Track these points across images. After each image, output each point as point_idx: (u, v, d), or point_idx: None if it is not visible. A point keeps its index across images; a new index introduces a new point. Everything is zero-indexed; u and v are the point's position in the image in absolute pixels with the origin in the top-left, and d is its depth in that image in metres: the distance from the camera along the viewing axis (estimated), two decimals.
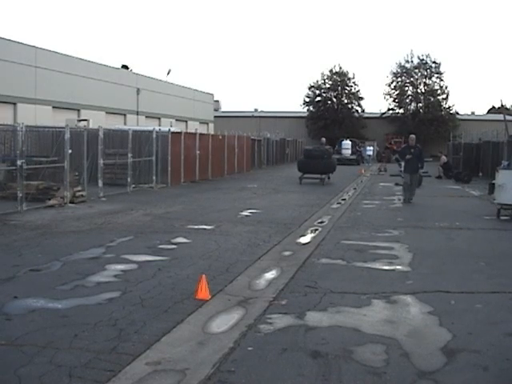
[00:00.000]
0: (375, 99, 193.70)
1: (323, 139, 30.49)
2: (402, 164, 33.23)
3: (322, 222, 12.94)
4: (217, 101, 65.41)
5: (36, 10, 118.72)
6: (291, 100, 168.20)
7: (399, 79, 65.54)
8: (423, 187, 23.59)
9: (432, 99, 63.70)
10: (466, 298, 6.77)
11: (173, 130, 24.13)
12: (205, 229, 11.59)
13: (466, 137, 38.51)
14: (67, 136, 15.22)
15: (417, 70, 65.01)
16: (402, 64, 65.46)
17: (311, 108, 66.05)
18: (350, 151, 49.30)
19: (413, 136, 17.84)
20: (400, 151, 18.63)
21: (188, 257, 8.72)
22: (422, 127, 60.82)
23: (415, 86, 65.02)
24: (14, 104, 27.86)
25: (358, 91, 66.60)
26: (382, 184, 25.98)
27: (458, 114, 64.57)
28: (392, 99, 65.33)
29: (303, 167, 24.89)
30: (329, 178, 25.68)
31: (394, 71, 65.64)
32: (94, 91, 33.93)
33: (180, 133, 24.33)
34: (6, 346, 4.87)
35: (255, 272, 7.87)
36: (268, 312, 5.99)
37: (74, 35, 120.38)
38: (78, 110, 32.45)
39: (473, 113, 70.31)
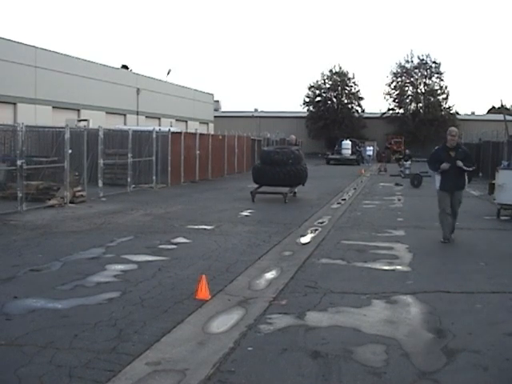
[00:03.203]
0: (375, 99, 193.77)
1: (292, 136, 22.22)
2: (406, 163, 33.55)
3: (322, 222, 12.93)
4: (217, 101, 65.45)
5: (36, 10, 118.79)
6: (291, 100, 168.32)
7: (399, 79, 65.53)
8: (423, 187, 23.61)
9: (432, 99, 63.69)
10: (466, 298, 6.77)
11: (173, 129, 24.12)
12: (205, 229, 11.59)
13: (466, 137, 38.52)
14: (67, 136, 15.22)
15: (417, 70, 65.01)
16: (402, 64, 65.53)
17: (311, 108, 66.01)
18: (350, 151, 49.29)
19: (454, 129, 10.76)
20: (431, 157, 10.98)
21: (188, 257, 8.72)
22: (422, 127, 60.89)
23: (415, 86, 65.01)
24: (14, 104, 27.88)
25: (358, 91, 66.62)
26: (382, 184, 25.98)
27: (458, 114, 64.55)
28: (392, 99, 65.35)
29: (259, 177, 17.67)
30: (294, 193, 18.38)
31: (394, 71, 65.69)
32: (94, 91, 33.96)
33: (180, 133, 24.33)
34: (5, 346, 4.87)
35: (255, 272, 7.87)
36: (268, 312, 5.99)
37: (74, 35, 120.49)
38: (78, 110, 32.48)
39: (473, 113, 70.33)
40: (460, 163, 10.25)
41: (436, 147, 11.56)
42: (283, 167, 17.14)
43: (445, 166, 10.31)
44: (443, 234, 10.65)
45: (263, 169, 17.54)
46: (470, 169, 10.65)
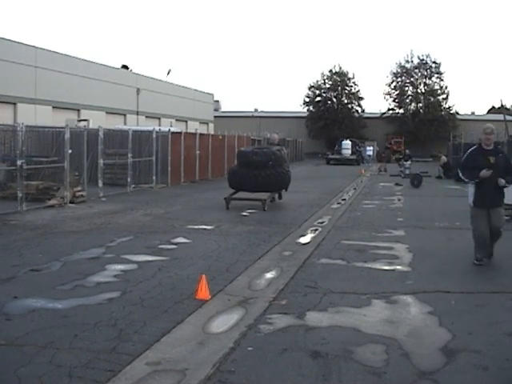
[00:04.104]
0: (375, 99, 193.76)
1: (275, 135, 18.62)
2: (406, 163, 33.59)
3: (322, 222, 12.93)
4: (217, 101, 65.47)
5: (36, 10, 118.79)
6: (291, 100, 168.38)
7: (399, 79, 65.59)
8: (423, 187, 23.63)
9: (432, 99, 63.73)
10: (466, 297, 6.77)
11: (173, 129, 24.12)
12: (205, 229, 11.58)
13: (466, 137, 38.50)
14: (67, 136, 15.22)
15: (417, 70, 65.06)
16: (402, 64, 65.60)
17: (311, 108, 66.06)
18: (350, 151, 49.33)
19: (489, 126, 8.50)
20: (465, 162, 8.69)
21: (188, 257, 8.72)
22: (422, 127, 60.92)
23: (415, 86, 65.05)
24: (14, 104, 27.88)
25: (358, 91, 66.67)
26: (382, 184, 25.98)
27: (458, 114, 64.59)
28: (392, 99, 65.42)
29: (235, 181, 15.66)
30: (280, 197, 16.72)
31: (394, 71, 65.78)
32: (93, 91, 33.96)
33: (180, 133, 24.33)
34: (5, 346, 4.87)
35: (255, 272, 7.87)
36: (268, 312, 5.99)
37: (74, 35, 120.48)
38: (78, 110, 32.47)
39: (473, 113, 70.33)
40: (502, 182, 8.22)
41: (470, 149, 8.90)
42: (262, 170, 15.14)
43: (485, 173, 8.08)
44: (477, 255, 8.60)
45: (240, 172, 15.50)
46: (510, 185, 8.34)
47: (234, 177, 15.74)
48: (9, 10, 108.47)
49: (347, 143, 50.14)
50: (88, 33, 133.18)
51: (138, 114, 39.73)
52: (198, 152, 24.74)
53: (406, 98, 65.14)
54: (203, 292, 6.42)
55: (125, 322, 5.53)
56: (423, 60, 64.79)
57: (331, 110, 64.85)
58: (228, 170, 17.08)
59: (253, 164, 15.26)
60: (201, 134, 26.36)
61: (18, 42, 28.56)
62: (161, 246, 9.54)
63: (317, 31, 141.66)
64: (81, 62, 33.73)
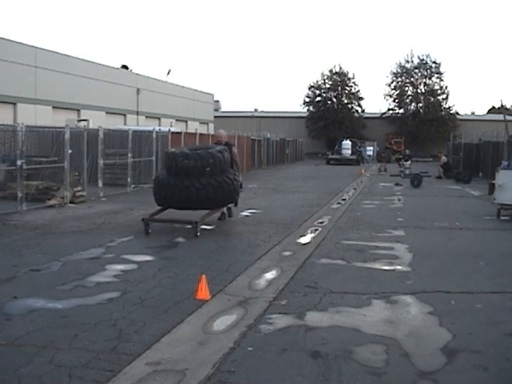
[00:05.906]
0: (375, 99, 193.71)
1: (221, 131, 14.49)
2: (406, 163, 33.31)
3: (322, 222, 12.93)
4: (217, 101, 65.46)
5: (36, 10, 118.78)
6: (291, 100, 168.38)
7: (399, 79, 65.54)
8: (423, 187, 23.63)
9: (432, 99, 63.72)
10: (466, 298, 6.77)
11: (173, 130, 24.12)
12: (205, 229, 11.56)
13: (466, 137, 38.51)
14: (67, 136, 15.22)
15: (417, 70, 65.04)
16: (402, 64, 65.55)
17: (311, 108, 66.03)
18: (350, 151, 49.32)
19: None
20: None
21: (188, 257, 8.72)
22: (422, 127, 60.93)
23: (415, 86, 65.02)
24: (14, 104, 27.87)
25: (358, 91, 66.60)
26: (382, 184, 25.98)
27: (458, 114, 64.60)
28: (392, 99, 65.37)
29: (161, 194, 11.29)
30: (230, 214, 12.81)
31: (394, 71, 65.69)
32: (94, 91, 33.95)
33: (180, 133, 24.32)
34: (5, 346, 4.87)
35: (255, 272, 7.87)
36: (268, 312, 5.99)
37: (74, 35, 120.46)
38: (78, 110, 32.46)
39: (473, 113, 70.37)
40: None
41: None
42: (197, 179, 10.95)
43: None
44: None
45: (167, 182, 11.14)
46: None
47: (160, 188, 11.33)
48: (9, 9, 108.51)
49: (347, 143, 50.12)
50: (88, 33, 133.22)
51: (138, 114, 39.73)
52: None
53: (406, 98, 65.13)
54: (203, 292, 6.41)
55: (125, 322, 5.53)
56: (423, 60, 64.79)
57: (331, 110, 64.82)
58: (154, 178, 12.99)
59: (183, 171, 11.06)
60: (201, 134, 26.36)
61: (18, 42, 28.55)
62: (161, 246, 9.55)
63: (317, 31, 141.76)
64: (81, 62, 33.72)
